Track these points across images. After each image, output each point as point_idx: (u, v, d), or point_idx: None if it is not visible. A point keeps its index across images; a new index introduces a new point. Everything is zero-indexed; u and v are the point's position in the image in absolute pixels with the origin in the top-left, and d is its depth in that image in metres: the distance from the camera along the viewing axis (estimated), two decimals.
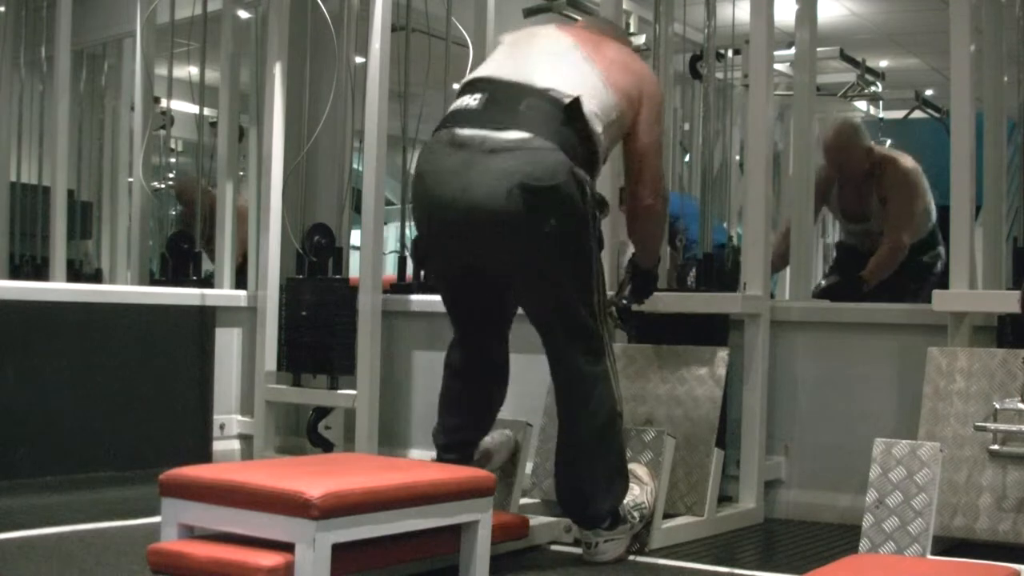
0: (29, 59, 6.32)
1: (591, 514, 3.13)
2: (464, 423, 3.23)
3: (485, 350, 3.27)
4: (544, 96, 2.94)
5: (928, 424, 3.46)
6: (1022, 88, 3.86)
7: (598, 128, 3.00)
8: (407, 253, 5.26)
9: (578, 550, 3.26)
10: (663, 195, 3.29)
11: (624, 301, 3.48)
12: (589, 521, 3.15)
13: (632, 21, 6.03)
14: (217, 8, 5.66)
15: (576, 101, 2.94)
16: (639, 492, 3.27)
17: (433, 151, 3.01)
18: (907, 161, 5.15)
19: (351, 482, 2.52)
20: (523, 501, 3.54)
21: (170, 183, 7.10)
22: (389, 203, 5.86)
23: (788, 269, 5.05)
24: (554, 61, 3.04)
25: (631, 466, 3.33)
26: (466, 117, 2.96)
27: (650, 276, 3.51)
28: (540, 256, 2.94)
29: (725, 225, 5.06)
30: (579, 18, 6.01)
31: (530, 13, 6.48)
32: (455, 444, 3.21)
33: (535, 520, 3.32)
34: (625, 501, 3.20)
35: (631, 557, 3.23)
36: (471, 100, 2.99)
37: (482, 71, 3.13)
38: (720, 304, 3.97)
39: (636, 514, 3.23)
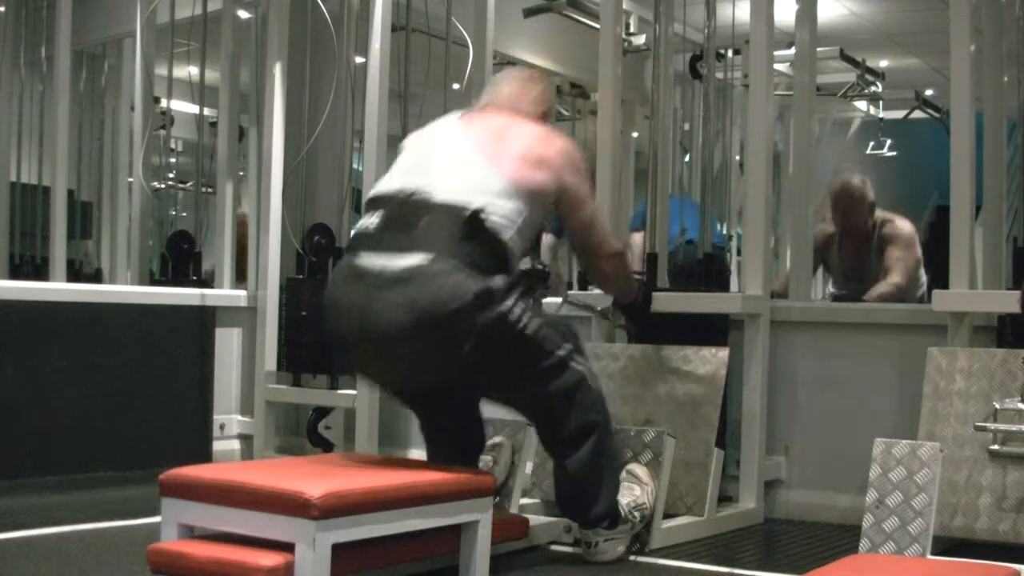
0: (29, 59, 6.31)
1: (591, 515, 3.14)
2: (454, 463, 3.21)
3: (457, 423, 3.24)
4: (443, 211, 2.81)
5: (928, 424, 3.46)
6: (1022, 88, 3.86)
7: (506, 235, 2.86)
8: None
9: (578, 550, 3.26)
10: (615, 249, 3.32)
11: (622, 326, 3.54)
12: (589, 521, 3.16)
13: (632, 21, 6.03)
14: (217, 8, 5.66)
15: (475, 215, 2.81)
16: (639, 492, 3.27)
17: (336, 283, 2.93)
18: (905, 223, 5.29)
19: (351, 482, 2.52)
20: (523, 501, 3.54)
21: (169, 183, 7.10)
22: None
23: (788, 269, 5.06)
24: (454, 169, 2.92)
25: (631, 466, 3.34)
26: (365, 243, 2.86)
27: (634, 306, 3.62)
28: (466, 374, 2.90)
29: (720, 227, 5.06)
30: (576, 18, 6.03)
31: (530, 13, 6.49)
32: None
33: (535, 520, 3.32)
34: (625, 501, 3.20)
35: (631, 557, 3.23)
36: (371, 221, 2.88)
37: (382, 186, 2.99)
38: (720, 304, 3.97)
39: (637, 514, 3.23)
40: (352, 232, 3.01)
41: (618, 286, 3.47)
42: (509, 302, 2.82)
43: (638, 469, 3.35)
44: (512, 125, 3.07)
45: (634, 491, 3.26)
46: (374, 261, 2.80)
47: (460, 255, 2.77)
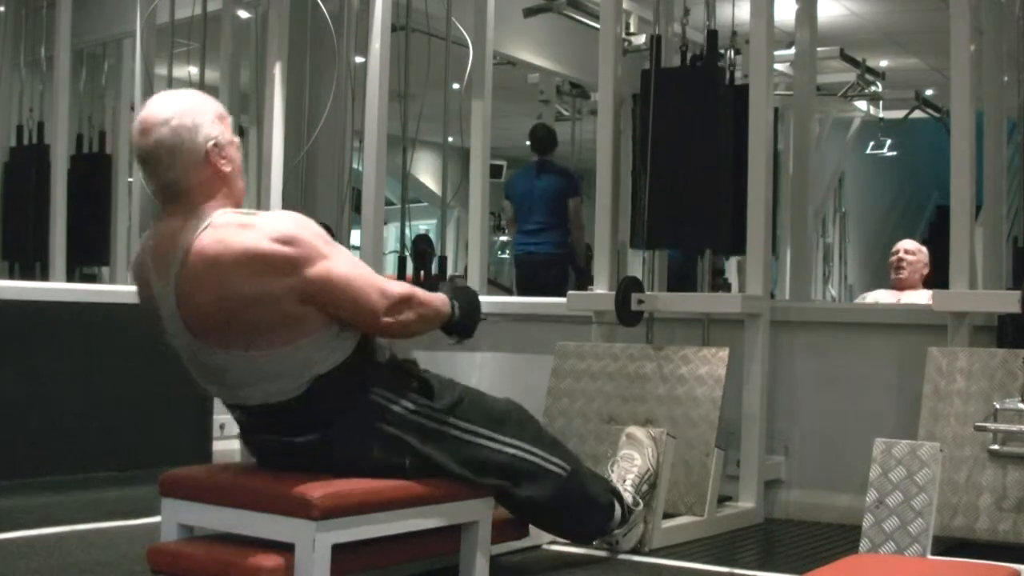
0: (29, 59, 6.32)
1: (599, 533, 3.16)
2: None
3: None
4: (284, 407, 2.56)
5: (928, 424, 3.46)
6: (1022, 88, 3.86)
7: (334, 361, 2.56)
8: (407, 253, 5.26)
9: (578, 550, 3.27)
10: (393, 298, 2.60)
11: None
12: (591, 538, 3.22)
13: (632, 21, 6.03)
14: (217, 8, 5.67)
15: (309, 395, 2.55)
16: (640, 461, 3.27)
17: (250, 450, 2.76)
18: None
19: (351, 482, 2.52)
20: None
21: None
22: (389, 203, 5.86)
23: (788, 269, 5.06)
24: (243, 383, 2.56)
25: (629, 429, 3.37)
26: (248, 427, 2.70)
27: (454, 321, 2.92)
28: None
29: None
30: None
31: (530, 13, 6.50)
32: None
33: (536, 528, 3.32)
34: (630, 479, 3.22)
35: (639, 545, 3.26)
36: (236, 414, 2.68)
37: (208, 391, 2.71)
38: (720, 304, 3.97)
39: (645, 486, 3.25)
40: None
41: (429, 326, 2.79)
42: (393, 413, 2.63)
43: (637, 431, 3.36)
44: (210, 271, 2.43)
45: (635, 461, 3.27)
46: (273, 439, 2.64)
47: (341, 414, 2.58)
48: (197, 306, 2.47)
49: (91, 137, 6.74)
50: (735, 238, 4.05)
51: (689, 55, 4.28)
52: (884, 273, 5.98)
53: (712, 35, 4.18)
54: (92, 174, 6.49)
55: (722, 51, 4.28)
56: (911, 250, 5.36)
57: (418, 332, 2.73)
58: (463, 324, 2.86)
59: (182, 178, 2.48)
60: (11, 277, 6.33)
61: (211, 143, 2.50)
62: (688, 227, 4.09)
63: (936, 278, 5.15)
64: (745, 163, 4.01)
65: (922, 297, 5.21)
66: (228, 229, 2.45)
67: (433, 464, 2.67)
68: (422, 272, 4.83)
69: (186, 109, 2.50)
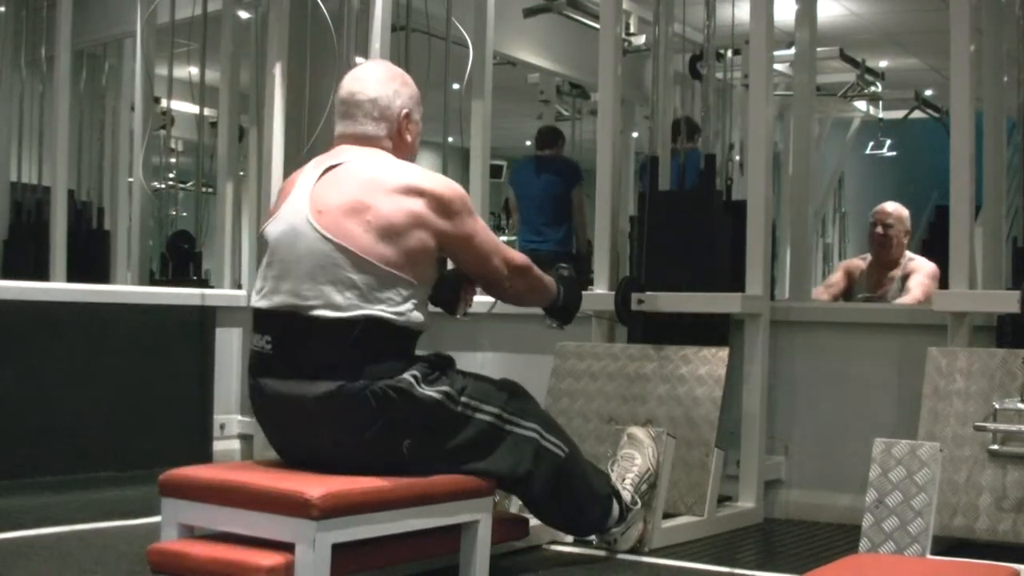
0: (29, 59, 6.32)
1: (597, 527, 3.17)
2: None
3: None
4: (327, 328, 2.62)
5: (928, 424, 3.46)
6: (1022, 88, 3.86)
7: (391, 311, 2.65)
8: None
9: (578, 549, 3.27)
10: (516, 265, 2.99)
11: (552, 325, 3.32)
12: (589, 533, 3.22)
13: (632, 21, 6.04)
14: (217, 8, 5.67)
15: (362, 323, 2.62)
16: (640, 461, 3.28)
17: (256, 405, 2.78)
18: (931, 263, 5.17)
19: (351, 482, 2.52)
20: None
21: (169, 183, 7.11)
22: None
23: (788, 269, 5.06)
24: (319, 272, 2.64)
25: (630, 429, 3.38)
26: (265, 366, 2.70)
27: (557, 305, 3.25)
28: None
29: None
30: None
31: (530, 13, 6.50)
32: None
33: (535, 520, 3.32)
34: (630, 478, 3.22)
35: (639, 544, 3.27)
36: (263, 343, 2.70)
37: (261, 299, 2.74)
38: (720, 304, 3.97)
39: (644, 486, 3.26)
40: (250, 349, 2.78)
41: (535, 299, 3.17)
42: (426, 400, 2.67)
43: (637, 431, 3.37)
44: (368, 176, 2.71)
45: (635, 460, 3.27)
46: (283, 385, 2.66)
47: (362, 364, 2.61)
48: (334, 191, 2.70)
49: (91, 216, 6.72)
50: None
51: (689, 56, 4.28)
52: None
53: (710, 159, 4.21)
54: (91, 250, 6.43)
55: (721, 51, 4.28)
56: (892, 216, 5.17)
57: (527, 302, 3.15)
58: (564, 309, 3.23)
59: (372, 127, 2.84)
60: None
61: (405, 111, 2.87)
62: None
63: (939, 278, 5.16)
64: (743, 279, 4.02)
65: (905, 272, 5.16)
66: (392, 161, 2.80)
67: (434, 450, 2.69)
68: None
69: (396, 75, 2.91)
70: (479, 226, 2.86)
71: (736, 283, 4.02)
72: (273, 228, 2.76)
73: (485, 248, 2.88)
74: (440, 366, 2.77)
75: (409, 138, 2.89)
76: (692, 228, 4.08)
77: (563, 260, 6.96)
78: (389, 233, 2.66)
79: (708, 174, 4.19)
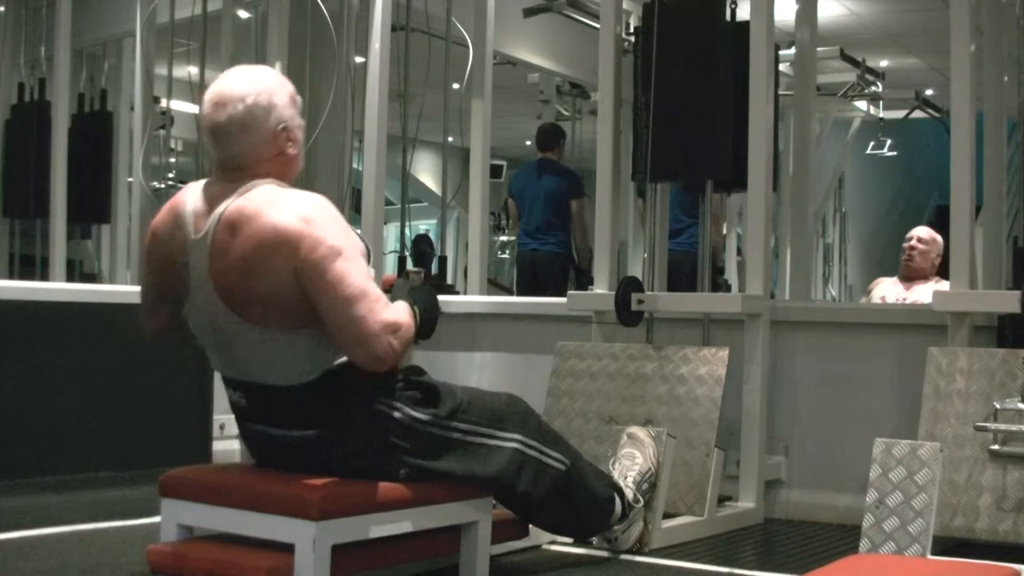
0: (29, 59, 6.32)
1: (599, 529, 3.16)
2: None
3: None
4: (289, 394, 2.55)
5: (928, 424, 3.46)
6: (1022, 88, 3.87)
7: (342, 359, 2.52)
8: (407, 253, 5.26)
9: (578, 549, 3.27)
10: (384, 323, 2.48)
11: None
12: (590, 535, 3.21)
13: (632, 21, 6.03)
14: (217, 8, 5.67)
15: (317, 385, 2.53)
16: (642, 460, 3.28)
17: (247, 444, 2.76)
18: None
19: (351, 482, 2.52)
20: None
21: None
22: (389, 203, 5.86)
23: (788, 268, 5.06)
24: (258, 358, 2.54)
25: (631, 429, 3.37)
26: (246, 414, 2.67)
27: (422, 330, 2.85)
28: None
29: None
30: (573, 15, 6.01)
31: (530, 13, 6.50)
32: None
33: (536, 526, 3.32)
34: (631, 477, 3.22)
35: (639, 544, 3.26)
36: (237, 397, 2.66)
37: (215, 366, 2.67)
38: (720, 304, 3.97)
39: (645, 485, 3.25)
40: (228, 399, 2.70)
41: (408, 352, 2.69)
42: (400, 416, 2.61)
43: (638, 431, 3.37)
44: (252, 237, 2.45)
45: (636, 459, 3.27)
46: (269, 431, 2.63)
47: (341, 414, 2.57)
48: (225, 268, 2.48)
49: (92, 96, 6.73)
50: (736, 172, 4.01)
51: None
52: (885, 273, 5.99)
53: None
54: (93, 133, 6.47)
55: None
56: (924, 239, 5.31)
57: (396, 363, 2.60)
58: (423, 330, 2.72)
59: (247, 153, 2.55)
60: (11, 236, 6.33)
61: (281, 126, 2.57)
62: (689, 160, 4.06)
63: (941, 271, 5.17)
64: (746, 97, 3.98)
65: (930, 291, 5.18)
66: (260, 200, 2.50)
67: (432, 473, 2.66)
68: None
69: (262, 89, 2.57)
70: (339, 263, 2.44)
71: (740, 111, 3.99)
72: (196, 312, 2.59)
73: (343, 289, 2.44)
74: (423, 387, 2.70)
75: (293, 151, 2.61)
76: (695, 44, 4.03)
77: (564, 263, 7.00)
78: (283, 300, 2.46)
79: None
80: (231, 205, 2.50)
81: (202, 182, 2.62)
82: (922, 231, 5.38)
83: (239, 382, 2.64)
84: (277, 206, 2.47)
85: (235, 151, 2.54)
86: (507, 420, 2.81)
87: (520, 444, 2.80)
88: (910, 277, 5.29)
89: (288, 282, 2.45)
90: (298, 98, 2.66)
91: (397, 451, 2.62)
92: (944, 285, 5.19)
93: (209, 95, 2.59)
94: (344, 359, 2.54)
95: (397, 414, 2.62)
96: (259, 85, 2.58)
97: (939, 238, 5.33)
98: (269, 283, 2.45)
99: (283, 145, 2.58)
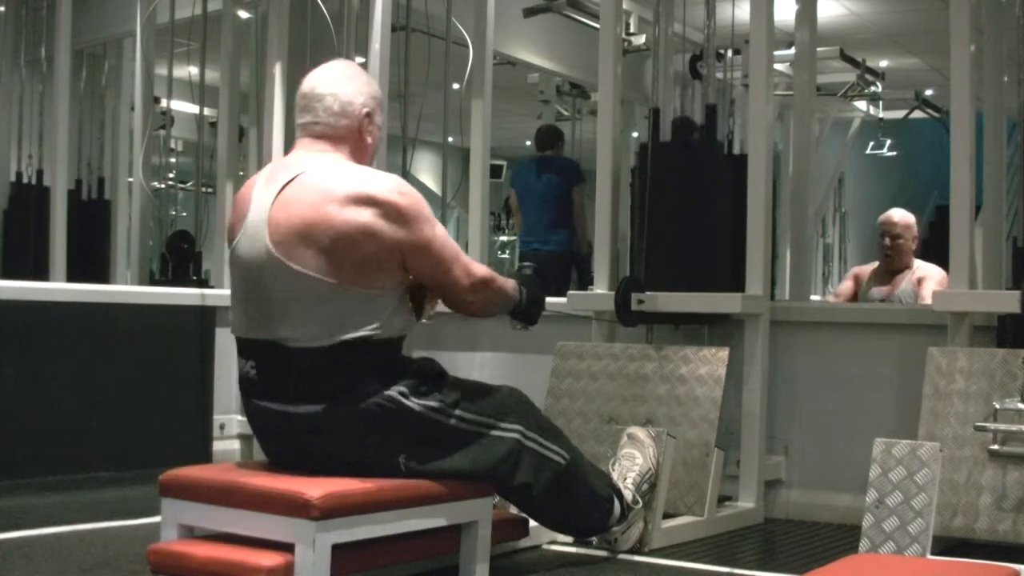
0: (29, 59, 6.32)
1: (598, 527, 3.16)
2: None
3: None
4: (304, 357, 2.59)
5: (928, 424, 3.46)
6: (1022, 88, 3.86)
7: (368, 329, 2.60)
8: None
9: (578, 549, 3.27)
10: (476, 278, 2.82)
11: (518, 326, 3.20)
12: (588, 534, 3.22)
13: (632, 21, 6.03)
14: (217, 8, 5.67)
15: (331, 350, 2.58)
16: (642, 460, 3.28)
17: (249, 419, 2.76)
18: (942, 270, 5.12)
19: (351, 482, 2.52)
20: None
21: (169, 183, 7.12)
22: None
23: (788, 269, 5.06)
24: (287, 305, 2.59)
25: (630, 429, 3.38)
26: (254, 389, 2.69)
27: (521, 308, 3.09)
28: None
29: None
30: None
31: (530, 13, 6.50)
32: None
33: (535, 520, 3.32)
34: (631, 477, 3.22)
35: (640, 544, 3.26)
36: (248, 368, 2.69)
37: (236, 327, 2.73)
38: (720, 304, 3.97)
39: (645, 485, 3.26)
40: (238, 373, 2.75)
41: (499, 310, 3.03)
42: (411, 410, 2.65)
43: (638, 431, 3.37)
44: (320, 189, 2.61)
45: (636, 460, 3.27)
46: (272, 406, 2.65)
47: (349, 390, 2.59)
48: (289, 215, 2.59)
49: (90, 183, 6.70)
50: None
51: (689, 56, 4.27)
52: None
53: (711, 109, 4.19)
54: (92, 221, 6.42)
55: (721, 51, 4.27)
56: (899, 225, 5.19)
57: (490, 315, 3.03)
58: (527, 312, 3.07)
59: (331, 124, 2.74)
60: None
61: (366, 110, 2.79)
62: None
63: (922, 254, 5.17)
64: (744, 234, 4.01)
65: (915, 277, 5.16)
66: (346, 167, 2.70)
67: (432, 461, 2.67)
68: None
69: (368, 80, 2.86)
70: (437, 232, 2.73)
71: (737, 241, 4.00)
72: (238, 259, 2.69)
73: (443, 256, 2.74)
74: (430, 377, 2.73)
75: (369, 140, 2.81)
76: (693, 181, 4.05)
77: (568, 262, 7.01)
78: (347, 252, 2.57)
79: (709, 125, 4.16)
80: (314, 165, 2.67)
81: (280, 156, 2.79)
82: (895, 221, 5.21)
83: (255, 344, 2.65)
84: (368, 177, 2.67)
85: (323, 118, 2.74)
86: (508, 411, 2.83)
87: (520, 435, 2.83)
88: (892, 272, 5.23)
89: (380, 251, 2.60)
90: (384, 109, 2.94)
91: (399, 436, 2.64)
92: (925, 267, 5.19)
93: (313, 71, 2.83)
94: (371, 333, 2.60)
95: (403, 399, 2.64)
96: (363, 75, 2.86)
97: (911, 220, 5.23)
98: (355, 244, 2.57)
99: (363, 128, 2.78)
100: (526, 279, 3.11)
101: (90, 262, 6.24)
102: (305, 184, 2.63)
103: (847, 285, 5.51)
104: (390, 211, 2.61)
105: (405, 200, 2.65)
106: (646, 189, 4.07)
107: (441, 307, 2.95)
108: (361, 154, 2.79)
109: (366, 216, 2.59)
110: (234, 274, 2.72)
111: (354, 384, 2.60)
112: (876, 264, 5.36)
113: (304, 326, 2.58)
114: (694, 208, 4.05)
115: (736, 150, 4.36)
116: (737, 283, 4.02)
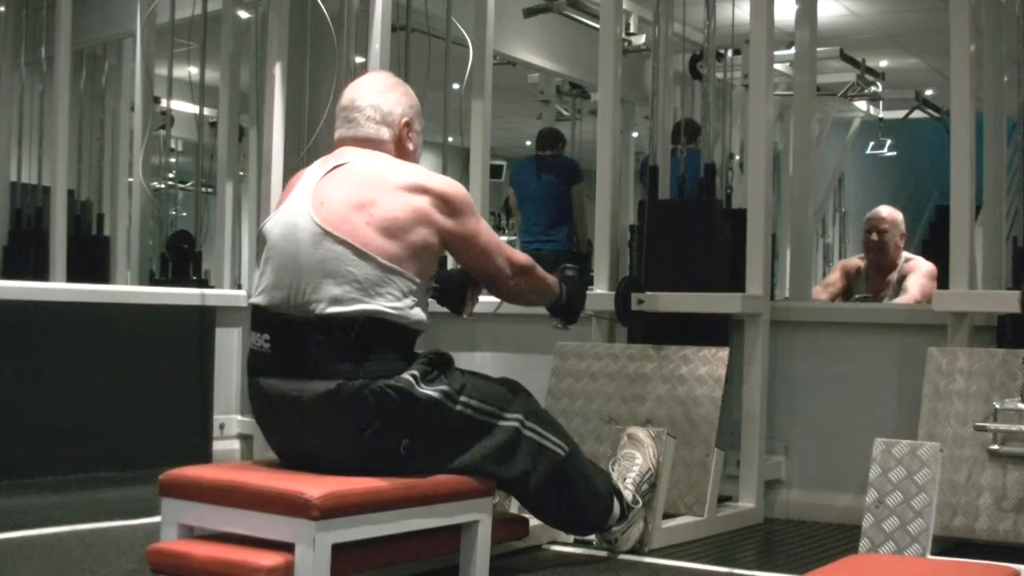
0: (29, 59, 6.32)
1: (597, 525, 3.17)
2: None
3: None
4: (326, 325, 2.61)
5: (928, 424, 3.46)
6: (1022, 88, 3.86)
7: (391, 307, 2.65)
8: None
9: (578, 549, 3.27)
10: (518, 265, 3.02)
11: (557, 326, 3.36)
12: (588, 532, 3.23)
13: (632, 21, 6.04)
14: (217, 8, 5.67)
15: (364, 322, 2.62)
16: (642, 460, 3.28)
17: (254, 405, 2.77)
18: (928, 262, 5.18)
19: (351, 482, 2.52)
20: None
21: (169, 183, 7.12)
22: None
23: (788, 268, 5.06)
24: (319, 270, 2.64)
25: (630, 429, 3.38)
26: (264, 365, 2.70)
27: (561, 304, 3.26)
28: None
29: None
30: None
31: (530, 13, 6.50)
32: None
33: (535, 520, 3.32)
34: (631, 477, 3.23)
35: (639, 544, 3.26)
36: (262, 342, 2.69)
37: (259, 295, 2.74)
38: (720, 304, 3.97)
39: (645, 485, 3.26)
40: (249, 348, 2.76)
41: (537, 298, 3.19)
42: (422, 398, 2.66)
43: (638, 431, 3.37)
44: (372, 174, 2.74)
45: (636, 460, 3.28)
46: (282, 384, 2.65)
47: (362, 363, 2.60)
48: (338, 188, 2.71)
49: (90, 220, 6.69)
50: None
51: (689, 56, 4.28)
52: None
53: (709, 168, 4.20)
54: (91, 258, 6.34)
55: (721, 51, 4.26)
56: (887, 221, 5.16)
57: (530, 301, 3.16)
58: (567, 309, 3.25)
59: (372, 131, 2.86)
60: None
61: (406, 119, 2.89)
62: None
63: (937, 278, 5.15)
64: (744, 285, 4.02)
65: (901, 274, 5.16)
66: (397, 161, 2.82)
67: (433, 450, 2.69)
68: None
69: (406, 90, 2.95)
70: (482, 225, 2.89)
71: (736, 288, 4.02)
72: (273, 223, 2.79)
73: (488, 247, 2.90)
74: (439, 365, 2.76)
75: (411, 147, 2.92)
76: (692, 236, 4.08)
77: (568, 260, 7.00)
78: (392, 228, 2.67)
79: (708, 182, 4.19)
80: (360, 156, 2.81)
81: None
82: (883, 216, 5.19)
83: (272, 315, 2.67)
84: (414, 166, 2.83)
85: (365, 124, 2.85)
86: (509, 401, 2.86)
87: (520, 424, 2.85)
88: (879, 269, 5.21)
89: (427, 235, 2.71)
90: (423, 123, 2.99)
91: (405, 420, 2.65)
92: (915, 261, 5.19)
93: (359, 78, 3.00)
94: (394, 313, 2.66)
95: (414, 383, 2.66)
96: (396, 82, 2.96)
97: (898, 216, 5.21)
98: (384, 219, 2.66)
99: (403, 136, 2.88)
100: (567, 279, 3.27)
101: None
102: (357, 168, 2.77)
103: (835, 277, 5.43)
104: (442, 202, 2.75)
105: (456, 193, 2.79)
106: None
107: (483, 303, 3.12)
108: (404, 160, 2.87)
109: (421, 202, 2.71)
110: (271, 244, 2.76)
111: (367, 361, 2.62)
112: (861, 257, 5.34)
113: (333, 292, 2.62)
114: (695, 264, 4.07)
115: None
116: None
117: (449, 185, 2.80)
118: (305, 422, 2.64)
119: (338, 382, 2.60)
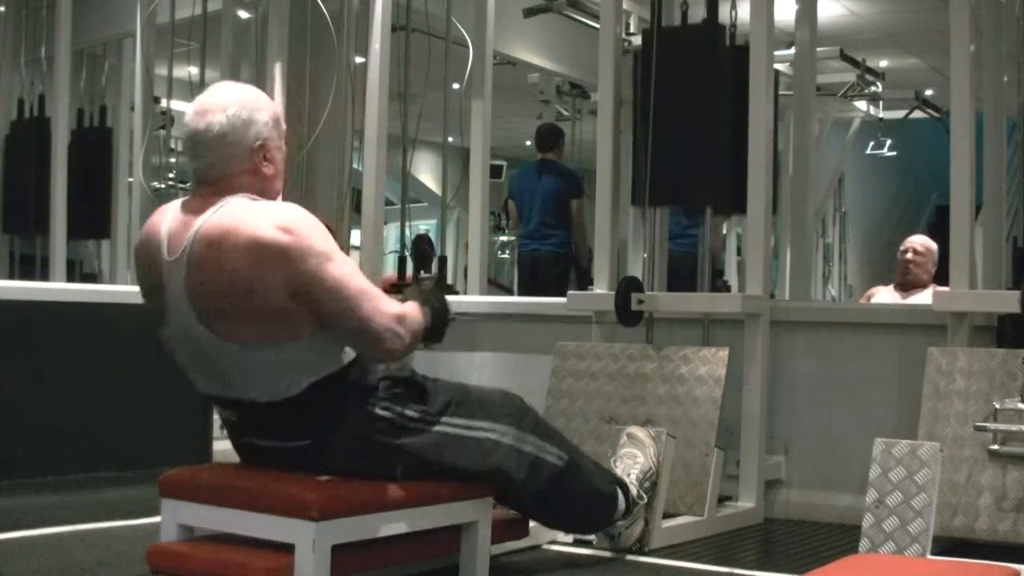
0: (29, 59, 6.32)
1: (602, 524, 3.18)
2: None
3: None
4: (275, 406, 2.53)
5: (928, 424, 3.46)
6: (1022, 88, 3.87)
7: (325, 370, 2.52)
8: (407, 253, 5.26)
9: (578, 549, 3.27)
10: (392, 315, 2.52)
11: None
12: (591, 531, 3.24)
13: (632, 21, 6.03)
14: (217, 8, 5.67)
15: (300, 398, 2.51)
16: (643, 458, 3.28)
17: (241, 456, 2.76)
18: None
19: (351, 483, 2.52)
20: None
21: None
22: (389, 203, 5.86)
23: (788, 268, 5.06)
24: (234, 371, 2.53)
25: (630, 429, 3.38)
26: (241, 429, 2.68)
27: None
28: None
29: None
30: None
31: (530, 13, 6.50)
32: None
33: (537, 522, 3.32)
34: (633, 475, 3.22)
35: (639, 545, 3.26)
36: (228, 414, 2.66)
37: (198, 383, 2.67)
38: (720, 304, 3.97)
39: (647, 483, 3.26)
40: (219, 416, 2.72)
41: (416, 344, 2.66)
42: (387, 419, 2.60)
43: (638, 431, 3.37)
44: (218, 245, 2.43)
45: (637, 459, 3.28)
46: (265, 443, 2.64)
47: (332, 421, 2.56)
48: (202, 286, 2.45)
49: (92, 112, 6.72)
50: (736, 197, 4.02)
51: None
52: (885, 273, 5.99)
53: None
54: (93, 148, 6.46)
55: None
56: (920, 251, 5.24)
57: (409, 352, 2.62)
58: (434, 332, 2.72)
59: (221, 165, 2.51)
60: (11, 249, 6.33)
61: (258, 143, 2.54)
62: (689, 185, 4.07)
63: (937, 278, 5.16)
64: (745, 123, 3.99)
65: (928, 297, 5.18)
66: (236, 214, 2.46)
67: (429, 469, 2.67)
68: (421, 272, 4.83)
69: (245, 103, 2.54)
70: (330, 267, 2.45)
71: (739, 137, 3.99)
72: (174, 334, 2.60)
73: (343, 293, 2.46)
74: (409, 385, 2.68)
75: (269, 170, 2.57)
76: (695, 69, 4.02)
77: (565, 262, 7.00)
78: (267, 313, 2.44)
79: (711, 12, 4.11)
80: (207, 222, 2.46)
81: (179, 201, 2.59)
82: (917, 242, 5.30)
83: (227, 400, 2.63)
84: (255, 218, 2.43)
85: (210, 160, 2.51)
86: (502, 415, 2.81)
87: (514, 439, 2.80)
88: (906, 287, 5.25)
89: (275, 296, 2.42)
90: (283, 124, 2.63)
91: (391, 449, 2.62)
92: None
93: (192, 105, 2.57)
94: (334, 368, 2.54)
95: (387, 413, 2.61)
96: (243, 99, 2.55)
97: (934, 247, 5.27)
98: (253, 298, 2.42)
99: (258, 163, 2.54)
100: (424, 295, 2.74)
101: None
102: (201, 245, 2.44)
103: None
104: (270, 250, 2.40)
105: (282, 235, 2.41)
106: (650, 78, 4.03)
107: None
108: (266, 187, 2.58)
109: (253, 266, 2.40)
110: (173, 343, 2.62)
111: (336, 414, 2.58)
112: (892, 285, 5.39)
113: (265, 386, 2.52)
114: (697, 105, 4.02)
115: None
116: (739, 201, 4.03)
117: (271, 227, 2.41)
118: (297, 466, 2.61)
119: (313, 440, 2.58)
